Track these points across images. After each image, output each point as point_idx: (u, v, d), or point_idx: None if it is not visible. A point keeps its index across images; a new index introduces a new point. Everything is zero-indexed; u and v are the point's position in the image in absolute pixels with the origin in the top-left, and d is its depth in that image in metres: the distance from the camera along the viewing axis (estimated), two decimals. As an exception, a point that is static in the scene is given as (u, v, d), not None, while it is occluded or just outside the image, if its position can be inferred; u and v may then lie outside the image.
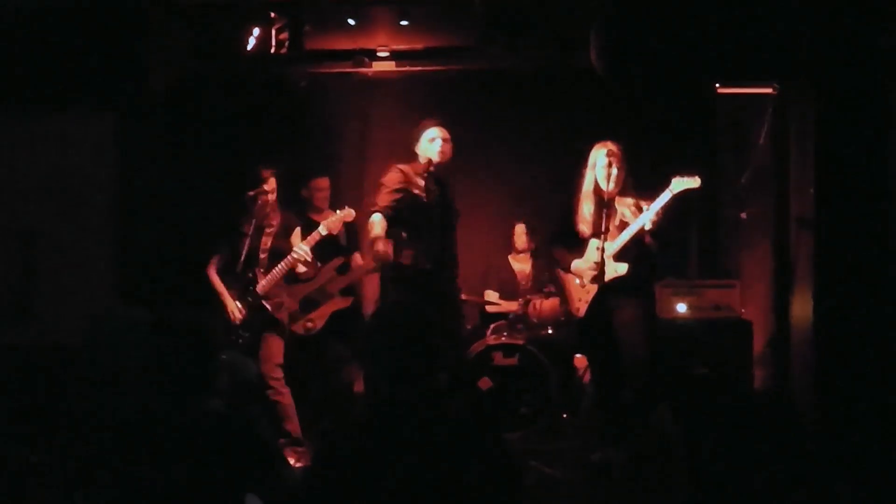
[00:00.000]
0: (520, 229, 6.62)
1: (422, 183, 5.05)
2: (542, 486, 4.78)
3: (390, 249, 4.93)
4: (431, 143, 5.09)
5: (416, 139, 5.15)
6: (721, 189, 6.09)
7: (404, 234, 4.99)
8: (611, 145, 5.11)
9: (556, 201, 5.53)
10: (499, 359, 5.91)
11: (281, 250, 5.39)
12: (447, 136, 5.12)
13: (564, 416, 6.01)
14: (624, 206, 5.11)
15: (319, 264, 5.57)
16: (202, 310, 4.57)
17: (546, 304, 6.31)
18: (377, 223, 4.96)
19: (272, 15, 5.73)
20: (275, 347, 5.37)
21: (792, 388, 5.20)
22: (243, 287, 5.39)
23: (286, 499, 2.76)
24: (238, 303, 5.38)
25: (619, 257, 5.07)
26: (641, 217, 5.00)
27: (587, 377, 5.82)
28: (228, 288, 5.43)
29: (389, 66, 6.33)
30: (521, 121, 6.77)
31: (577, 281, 5.20)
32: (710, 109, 6.09)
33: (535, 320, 6.31)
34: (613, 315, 5.08)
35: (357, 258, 6.04)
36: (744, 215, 5.97)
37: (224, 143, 6.51)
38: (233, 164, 6.14)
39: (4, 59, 5.51)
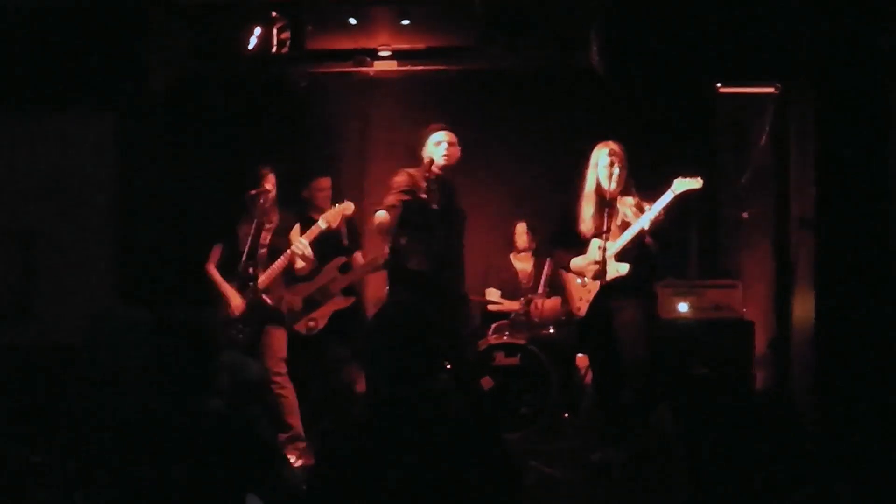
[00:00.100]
0: (521, 228, 6.62)
1: (426, 186, 5.04)
2: (542, 486, 4.77)
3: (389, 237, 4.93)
4: (437, 147, 5.07)
5: (422, 142, 5.12)
6: (721, 189, 6.07)
7: (403, 241, 4.98)
8: (613, 145, 5.08)
9: (556, 201, 5.53)
10: (500, 358, 5.91)
11: (280, 247, 5.38)
12: (454, 139, 5.10)
13: (565, 416, 6.01)
14: (625, 206, 5.09)
15: (318, 262, 5.56)
16: (202, 310, 4.57)
17: (547, 304, 6.30)
18: (381, 217, 4.96)
19: (273, 15, 5.72)
20: (279, 341, 5.35)
21: (792, 388, 5.21)
22: (243, 283, 5.38)
23: (287, 499, 2.76)
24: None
25: (620, 257, 5.06)
26: (643, 217, 4.98)
27: (589, 377, 5.82)
28: (228, 283, 5.42)
29: (390, 65, 6.32)
30: (521, 121, 6.76)
31: (579, 280, 5.20)
32: (711, 109, 6.08)
33: (536, 320, 6.31)
34: (614, 315, 5.06)
35: (358, 257, 6.04)
36: (745, 215, 5.97)
37: (224, 143, 6.50)
38: (233, 164, 6.12)
39: (4, 59, 5.53)
